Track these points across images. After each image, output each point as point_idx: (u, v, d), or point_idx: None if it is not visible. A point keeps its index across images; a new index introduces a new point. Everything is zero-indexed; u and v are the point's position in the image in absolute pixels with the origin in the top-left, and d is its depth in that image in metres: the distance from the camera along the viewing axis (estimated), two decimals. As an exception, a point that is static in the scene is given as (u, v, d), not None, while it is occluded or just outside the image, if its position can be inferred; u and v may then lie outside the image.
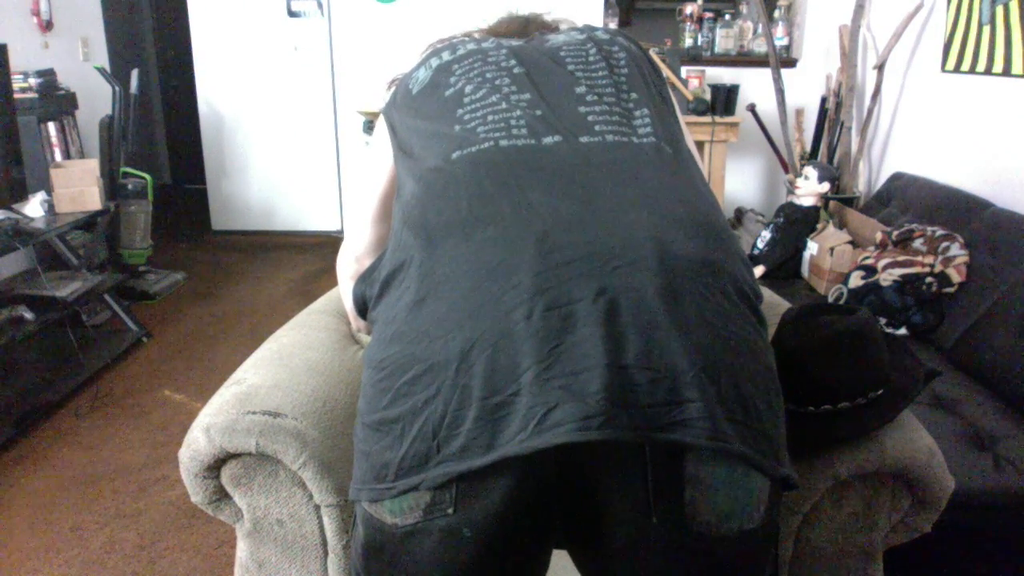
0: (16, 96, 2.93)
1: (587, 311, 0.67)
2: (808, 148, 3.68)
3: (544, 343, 0.66)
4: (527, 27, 1.10)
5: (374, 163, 1.01)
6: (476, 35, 1.07)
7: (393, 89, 1.03)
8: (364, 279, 0.87)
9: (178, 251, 4.39)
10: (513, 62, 0.93)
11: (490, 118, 0.86)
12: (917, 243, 2.30)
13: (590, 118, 0.86)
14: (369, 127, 3.70)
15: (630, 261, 0.69)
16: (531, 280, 0.68)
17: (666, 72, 3.38)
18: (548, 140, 0.83)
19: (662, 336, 0.67)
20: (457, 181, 0.80)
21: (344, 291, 1.08)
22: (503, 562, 0.73)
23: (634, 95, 0.91)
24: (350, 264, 1.04)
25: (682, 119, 1.01)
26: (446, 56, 0.98)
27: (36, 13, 3.53)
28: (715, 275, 0.72)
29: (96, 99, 3.64)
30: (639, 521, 0.68)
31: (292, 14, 4.39)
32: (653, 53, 1.95)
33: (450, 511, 0.68)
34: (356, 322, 1.10)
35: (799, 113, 3.77)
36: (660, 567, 0.71)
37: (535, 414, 0.64)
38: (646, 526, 0.68)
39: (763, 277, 2.85)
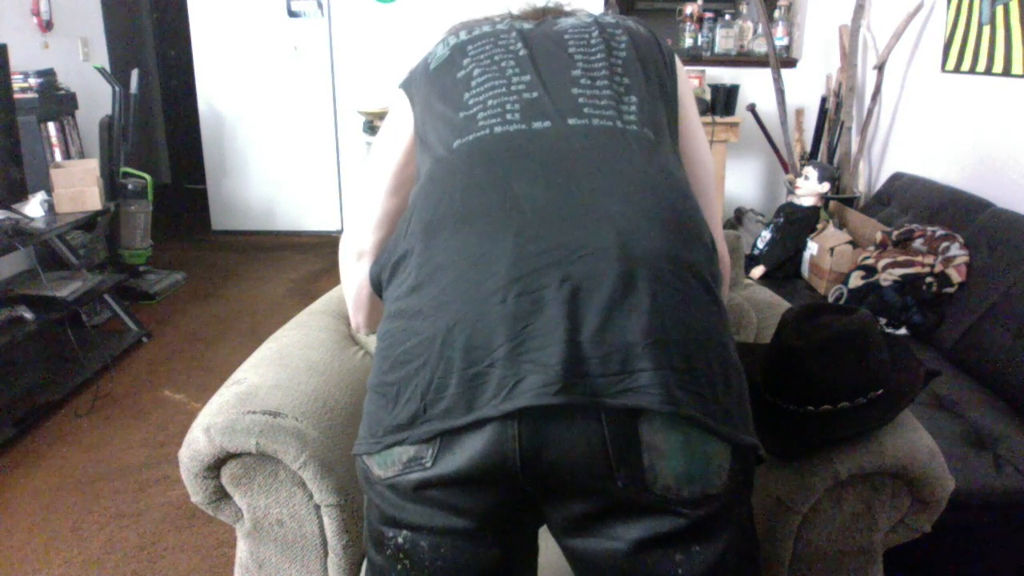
0: (16, 96, 2.93)
1: (553, 296, 0.75)
2: (808, 148, 3.68)
3: (516, 323, 0.74)
4: (543, 14, 1.12)
5: (390, 136, 1.03)
6: (495, 18, 1.09)
7: (412, 69, 1.07)
8: (378, 262, 0.95)
9: (178, 251, 4.40)
10: (520, 44, 0.99)
11: (490, 103, 0.92)
12: (917, 243, 2.30)
13: (581, 100, 0.92)
14: (369, 127, 3.70)
15: (593, 251, 0.77)
16: (507, 270, 0.77)
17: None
18: (538, 125, 0.89)
19: (617, 316, 0.74)
20: (455, 172, 0.88)
21: (346, 277, 1.07)
22: (470, 526, 0.79)
23: (626, 80, 0.95)
24: (358, 240, 1.03)
25: (689, 104, 1.02)
26: (463, 36, 1.03)
27: (36, 13, 3.53)
28: (674, 263, 0.78)
29: (96, 99, 3.64)
30: (604, 486, 0.74)
31: (292, 14, 4.39)
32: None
33: (428, 464, 0.76)
34: (356, 318, 1.10)
35: (799, 113, 3.78)
36: (628, 526, 0.76)
37: (507, 383, 0.73)
38: (611, 490, 0.74)
39: (763, 277, 2.86)
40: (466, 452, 0.74)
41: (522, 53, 0.97)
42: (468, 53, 0.99)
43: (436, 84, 0.99)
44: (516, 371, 0.73)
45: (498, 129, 0.89)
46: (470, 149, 0.89)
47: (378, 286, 0.93)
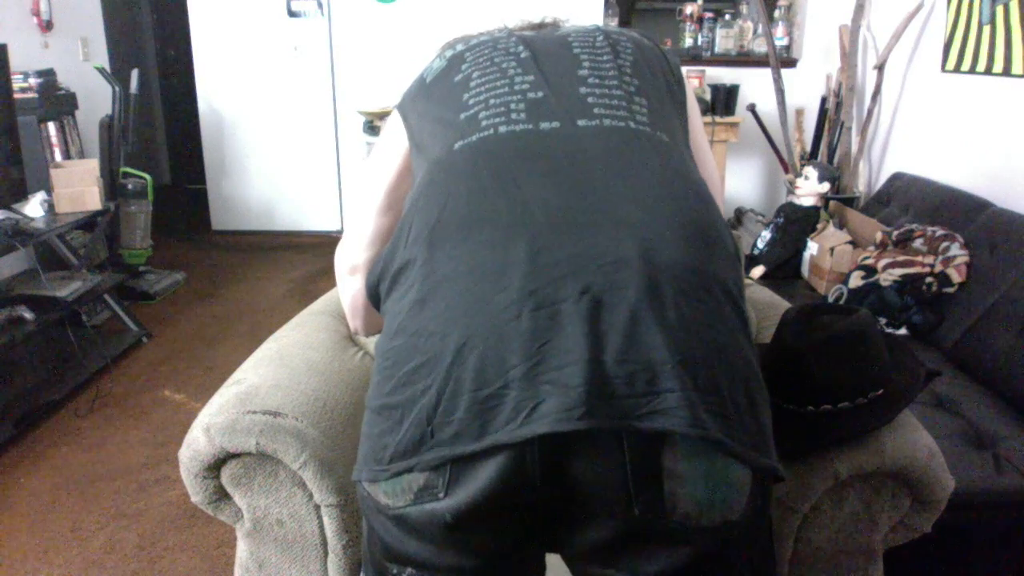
0: (16, 96, 2.93)
1: (572, 310, 0.70)
2: (808, 148, 3.68)
3: (532, 341, 0.69)
4: (542, 26, 1.12)
5: (383, 155, 1.02)
6: (494, 31, 1.08)
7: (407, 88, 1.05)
8: (373, 272, 0.90)
9: (178, 251, 4.39)
10: (521, 47, 0.96)
11: (492, 102, 0.88)
12: (917, 243, 2.30)
13: (590, 100, 0.88)
14: (369, 127, 3.70)
15: (614, 260, 0.72)
16: (520, 282, 0.72)
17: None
18: (545, 125, 0.85)
19: (642, 332, 0.69)
20: (457, 175, 0.83)
21: (342, 287, 1.07)
22: (480, 564, 0.76)
23: (636, 82, 0.92)
24: (350, 256, 1.03)
25: (695, 116, 1.01)
26: (460, 47, 1.01)
27: (36, 13, 3.53)
28: (698, 275, 0.75)
29: (96, 99, 3.64)
30: (622, 513, 0.70)
31: (292, 14, 4.39)
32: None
33: (441, 495, 0.71)
34: (353, 323, 1.10)
35: (799, 113, 3.78)
36: (645, 558, 0.73)
37: (524, 407, 0.68)
38: (629, 518, 0.70)
39: (763, 277, 2.86)
40: (480, 481, 0.69)
41: (524, 55, 0.94)
42: (466, 59, 0.96)
43: (433, 93, 0.96)
44: (534, 393, 0.68)
45: (503, 129, 0.85)
46: (473, 150, 0.84)
47: (375, 298, 0.89)
